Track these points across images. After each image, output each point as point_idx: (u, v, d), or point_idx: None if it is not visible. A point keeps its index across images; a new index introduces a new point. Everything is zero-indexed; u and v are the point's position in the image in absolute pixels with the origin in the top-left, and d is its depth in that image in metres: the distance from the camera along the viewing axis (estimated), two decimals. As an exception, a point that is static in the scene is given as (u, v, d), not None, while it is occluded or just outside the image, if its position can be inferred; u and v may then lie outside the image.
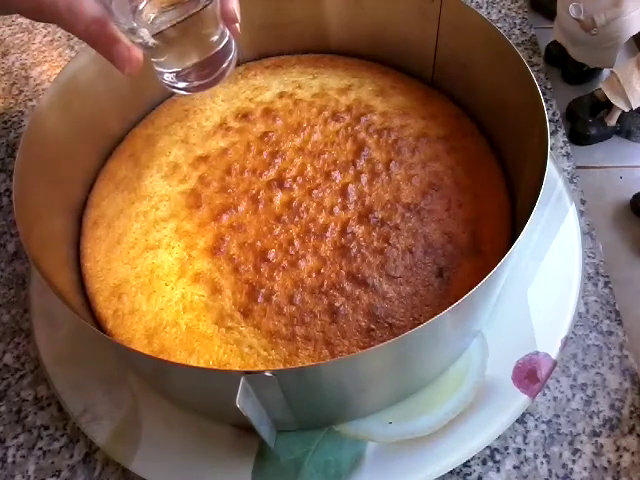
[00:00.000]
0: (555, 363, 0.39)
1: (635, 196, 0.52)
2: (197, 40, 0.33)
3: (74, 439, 0.40)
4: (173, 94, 0.52)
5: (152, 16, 0.31)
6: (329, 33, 0.53)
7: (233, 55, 0.35)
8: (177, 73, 0.34)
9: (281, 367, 0.36)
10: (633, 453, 0.37)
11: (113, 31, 0.32)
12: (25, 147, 0.39)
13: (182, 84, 0.35)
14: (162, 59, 0.33)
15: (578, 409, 0.39)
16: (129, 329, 0.39)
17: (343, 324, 0.37)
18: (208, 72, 0.34)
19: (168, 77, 0.34)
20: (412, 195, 0.43)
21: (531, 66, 0.58)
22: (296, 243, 0.40)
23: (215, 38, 0.34)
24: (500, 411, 0.37)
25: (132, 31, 0.31)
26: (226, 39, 0.34)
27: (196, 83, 0.35)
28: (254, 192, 0.43)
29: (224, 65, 0.35)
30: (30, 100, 0.61)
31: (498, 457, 0.38)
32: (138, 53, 0.33)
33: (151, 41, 0.31)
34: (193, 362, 0.37)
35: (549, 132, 0.36)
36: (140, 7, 0.31)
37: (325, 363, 0.31)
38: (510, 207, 0.43)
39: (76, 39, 0.67)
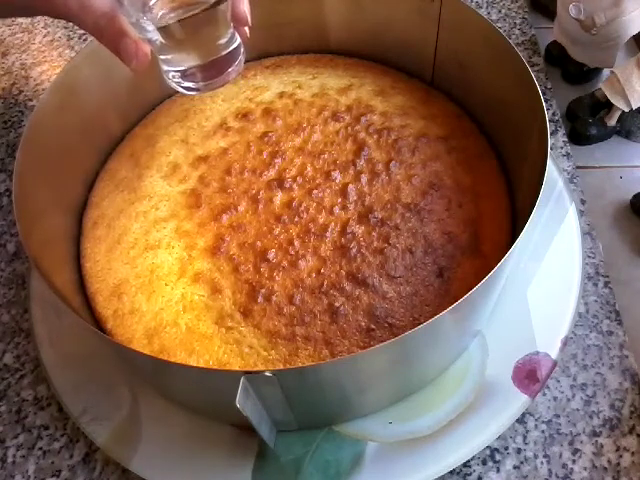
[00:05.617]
0: (555, 363, 0.39)
1: (635, 196, 0.52)
2: (206, 41, 0.33)
3: (74, 439, 0.40)
4: (173, 94, 0.52)
5: (162, 13, 0.31)
6: (329, 33, 0.53)
7: (240, 59, 0.35)
8: (182, 72, 0.34)
9: (281, 367, 0.36)
10: (633, 453, 0.37)
11: (121, 25, 0.32)
12: (25, 147, 0.39)
13: (186, 84, 0.35)
14: (169, 57, 0.33)
15: (578, 409, 0.39)
16: (129, 329, 0.39)
17: (343, 324, 0.37)
18: (213, 74, 0.34)
19: (173, 75, 0.34)
20: (412, 195, 0.43)
21: (531, 66, 0.58)
22: (296, 243, 0.40)
23: (224, 40, 0.34)
24: (500, 411, 0.37)
25: (140, 26, 0.31)
26: (235, 43, 0.35)
27: (201, 84, 0.35)
28: (254, 192, 0.43)
29: (230, 68, 0.35)
30: (30, 100, 0.61)
31: (498, 457, 0.38)
32: (145, 48, 0.33)
33: (159, 38, 0.31)
34: (193, 362, 0.37)
35: (549, 132, 0.36)
36: (151, 3, 0.31)
37: (325, 363, 0.31)
38: (510, 207, 0.43)
39: (76, 39, 0.67)
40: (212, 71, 0.34)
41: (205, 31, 0.32)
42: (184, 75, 0.34)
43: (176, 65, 0.34)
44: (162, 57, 0.34)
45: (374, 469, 0.36)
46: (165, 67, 0.34)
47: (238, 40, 0.35)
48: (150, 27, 0.31)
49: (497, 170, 0.45)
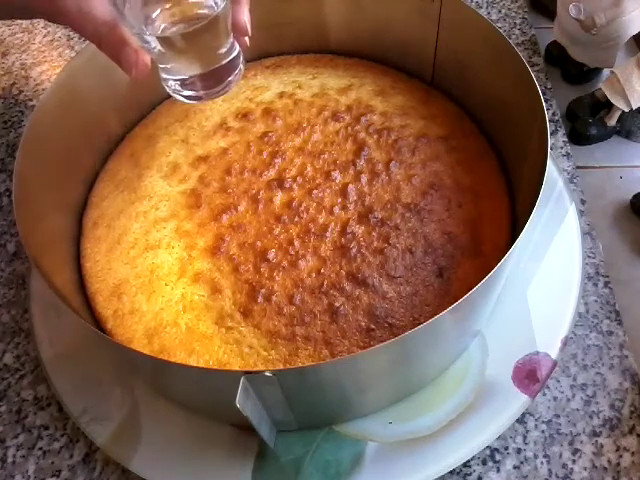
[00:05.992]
0: (555, 363, 0.39)
1: (635, 196, 0.52)
2: (205, 50, 0.33)
3: (74, 439, 0.40)
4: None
5: (163, 26, 0.31)
6: (329, 33, 0.53)
7: (240, 68, 0.36)
8: (182, 81, 0.34)
9: (281, 367, 0.36)
10: (633, 453, 0.37)
11: (122, 34, 0.32)
12: (25, 147, 0.39)
13: (186, 92, 0.35)
14: (169, 66, 0.34)
15: (578, 409, 0.39)
16: (129, 329, 0.39)
17: (343, 324, 0.37)
18: (213, 83, 0.35)
19: (172, 84, 0.35)
20: (412, 195, 0.43)
21: (531, 66, 0.58)
22: (296, 243, 0.40)
23: (224, 50, 0.34)
24: (500, 411, 0.37)
25: (141, 36, 0.31)
26: (235, 52, 0.35)
27: (201, 92, 0.35)
28: (254, 192, 0.43)
29: (230, 77, 0.35)
30: (30, 100, 0.61)
31: (498, 457, 0.38)
32: (146, 58, 0.33)
33: (159, 48, 0.31)
34: (193, 362, 0.37)
35: (549, 132, 0.36)
36: (153, 16, 0.31)
37: (325, 363, 0.31)
38: (510, 207, 0.43)
39: (76, 39, 0.67)
40: (212, 80, 0.35)
41: (205, 41, 0.33)
42: (184, 84, 0.34)
43: (176, 74, 0.34)
44: (162, 66, 0.34)
45: (374, 469, 0.36)
46: (165, 76, 0.34)
47: (238, 49, 0.35)
48: (151, 38, 0.31)
49: (497, 170, 0.45)
